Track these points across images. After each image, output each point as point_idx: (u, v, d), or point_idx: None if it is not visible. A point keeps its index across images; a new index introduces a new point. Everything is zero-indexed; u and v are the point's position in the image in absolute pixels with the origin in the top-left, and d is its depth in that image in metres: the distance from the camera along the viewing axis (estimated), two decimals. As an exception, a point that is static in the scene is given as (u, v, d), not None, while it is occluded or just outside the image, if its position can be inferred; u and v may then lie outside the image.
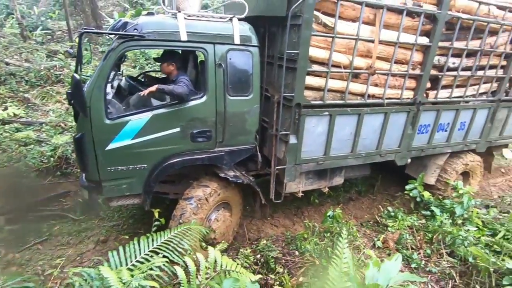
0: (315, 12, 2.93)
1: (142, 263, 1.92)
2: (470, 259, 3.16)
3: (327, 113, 3.35)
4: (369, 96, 3.52)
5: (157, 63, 4.25)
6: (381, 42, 3.29)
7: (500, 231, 3.64)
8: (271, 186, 3.63)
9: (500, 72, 4.33)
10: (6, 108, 6.20)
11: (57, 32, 13.97)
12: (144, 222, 3.87)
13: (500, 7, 3.82)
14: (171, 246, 2.20)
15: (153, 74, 4.95)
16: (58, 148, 4.70)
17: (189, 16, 2.88)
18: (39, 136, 5.44)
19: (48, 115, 6.46)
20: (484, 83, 4.32)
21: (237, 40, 2.98)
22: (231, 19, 3.00)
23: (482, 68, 4.12)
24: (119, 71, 3.88)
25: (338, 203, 4.73)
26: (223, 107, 3.03)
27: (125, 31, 2.63)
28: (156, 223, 2.97)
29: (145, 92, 2.80)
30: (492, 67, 4.20)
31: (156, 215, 3.00)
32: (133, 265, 1.91)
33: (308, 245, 3.32)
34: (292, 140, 3.33)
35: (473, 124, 4.49)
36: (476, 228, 3.72)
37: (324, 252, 3.21)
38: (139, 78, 4.03)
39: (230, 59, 2.99)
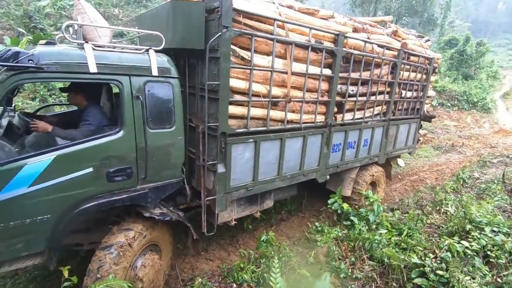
0: (232, 46, 3.10)
1: None
2: (385, 260, 3.58)
3: (252, 140, 3.48)
4: (288, 121, 3.81)
5: (63, 94, 3.79)
6: (293, 74, 3.67)
7: (404, 230, 4.27)
8: (202, 219, 3.48)
9: (386, 97, 5.29)
10: None
11: None
12: (51, 284, 3.20)
13: (380, 45, 4.73)
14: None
15: (57, 108, 4.37)
16: None
17: (98, 46, 2.68)
18: None
19: None
20: (377, 106, 5.19)
21: (155, 72, 2.89)
22: (147, 51, 2.91)
23: (374, 94, 4.96)
24: (11, 106, 3.29)
25: (271, 226, 4.83)
26: (143, 141, 2.84)
27: (16, 62, 2.27)
28: (66, 283, 2.49)
29: (38, 127, 2.51)
30: (381, 93, 5.11)
31: (66, 274, 2.53)
32: None
33: (245, 275, 3.25)
34: (220, 169, 3.32)
35: (373, 140, 5.30)
36: (387, 231, 4.27)
37: (261, 279, 3.18)
38: (38, 113, 3.49)
39: (148, 91, 2.86)
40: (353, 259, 3.81)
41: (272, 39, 3.33)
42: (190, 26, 3.03)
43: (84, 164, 2.61)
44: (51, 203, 2.51)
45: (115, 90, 2.93)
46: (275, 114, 3.71)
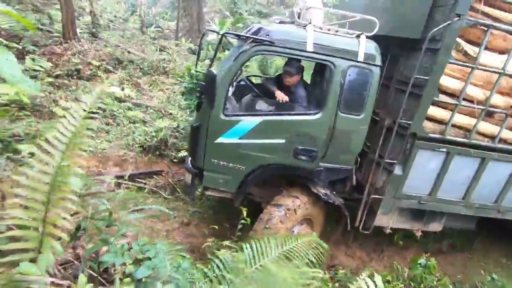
0: (458, 39, 2.66)
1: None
2: None
3: (444, 149, 2.98)
4: (500, 140, 3.02)
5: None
6: (531, 81, 2.81)
7: None
8: (358, 214, 3.38)
9: None
10: (123, 89, 7.23)
11: (165, 30, 16.00)
12: (223, 215, 4.01)
13: None
14: (299, 255, 2.11)
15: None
16: (160, 131, 5.25)
17: (319, 28, 2.90)
18: (144, 117, 6.19)
19: (152, 100, 7.33)
20: None
21: (360, 57, 2.88)
22: (359, 36, 2.92)
23: None
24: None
25: (425, 252, 4.15)
26: (333, 123, 2.94)
27: (258, 36, 2.78)
28: (243, 221, 3.02)
29: (280, 97, 3.00)
30: None
31: (244, 213, 3.05)
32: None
33: (393, 290, 2.98)
34: (397, 170, 3.06)
35: None
36: None
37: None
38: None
39: (349, 75, 2.90)
40: None
41: (517, 33, 2.63)
42: (411, 12, 2.81)
43: (280, 134, 2.96)
44: (248, 158, 3.02)
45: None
46: (486, 126, 3.01)
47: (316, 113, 2.93)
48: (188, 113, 5.85)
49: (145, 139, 5.16)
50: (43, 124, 4.70)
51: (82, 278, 1.23)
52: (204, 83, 2.63)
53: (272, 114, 3.00)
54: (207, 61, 6.30)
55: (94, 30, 9.26)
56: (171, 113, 6.60)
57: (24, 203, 1.33)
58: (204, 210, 4.20)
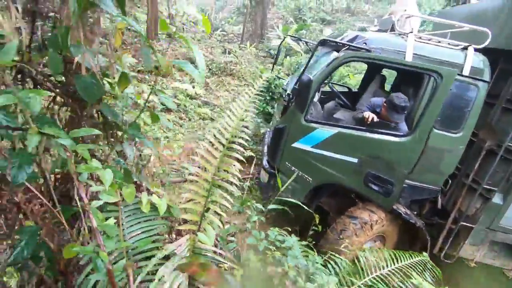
0: None
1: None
2: None
3: (561, 182, 2.59)
4: None
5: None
6: None
7: None
8: (439, 240, 3.10)
9: None
10: (193, 87, 7.73)
11: (229, 34, 16.74)
12: (285, 219, 4.01)
13: None
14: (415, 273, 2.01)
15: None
16: (228, 129, 5.49)
17: (419, 38, 2.76)
18: (212, 115, 6.52)
19: (219, 99, 7.69)
20: None
21: (466, 71, 2.66)
22: (466, 48, 2.70)
23: None
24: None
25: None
26: (425, 141, 2.73)
27: (355, 44, 2.74)
28: (314, 228, 2.98)
29: (369, 117, 2.77)
30: None
31: (317, 220, 3.01)
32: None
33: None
34: (497, 199, 2.74)
35: None
36: None
37: None
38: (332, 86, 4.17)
39: (450, 89, 2.69)
40: None
41: None
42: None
43: (353, 151, 2.79)
44: (315, 169, 2.91)
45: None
46: None
47: (405, 135, 2.72)
48: (255, 115, 6.01)
49: (214, 135, 5.43)
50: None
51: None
52: (297, 87, 2.66)
53: (350, 127, 2.84)
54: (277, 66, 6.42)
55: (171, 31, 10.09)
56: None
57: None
58: (266, 211, 4.24)
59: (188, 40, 1.16)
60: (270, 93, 5.81)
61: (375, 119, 2.81)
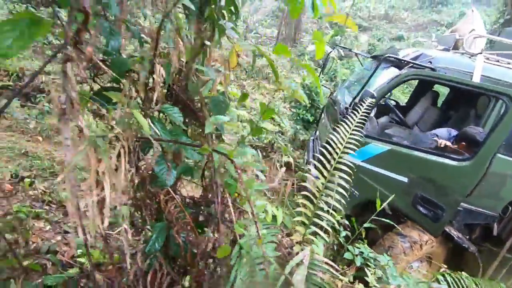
0: None
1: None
2: None
3: None
4: None
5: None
6: None
7: None
8: (491, 268, 3.00)
9: None
10: (231, 88, 7.91)
11: (263, 37, 16.89)
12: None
13: None
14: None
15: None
16: (268, 133, 5.57)
17: (487, 59, 2.69)
18: (248, 117, 6.66)
19: (254, 102, 7.82)
20: None
21: (538, 95, 2.56)
22: (539, 71, 2.60)
23: None
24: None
25: None
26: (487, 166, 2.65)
27: (419, 62, 2.72)
28: (361, 240, 2.98)
29: (441, 143, 2.71)
30: None
31: (363, 236, 3.01)
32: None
33: None
34: (562, 231, 2.61)
35: None
36: None
37: None
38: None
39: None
40: None
41: None
42: None
43: (404, 170, 2.72)
44: (363, 185, 2.86)
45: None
46: None
47: (465, 160, 2.64)
48: (293, 122, 6.06)
49: (253, 139, 5.55)
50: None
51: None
52: (359, 101, 2.68)
53: (405, 146, 2.77)
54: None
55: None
56: (273, 118, 6.94)
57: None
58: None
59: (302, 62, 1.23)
60: (311, 100, 5.84)
61: (451, 146, 2.73)
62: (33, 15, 0.71)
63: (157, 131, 0.98)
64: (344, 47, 4.96)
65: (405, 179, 2.77)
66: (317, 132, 4.20)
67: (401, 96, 9.48)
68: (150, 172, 1.05)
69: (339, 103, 3.40)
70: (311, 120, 5.82)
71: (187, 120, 1.26)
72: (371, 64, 3.89)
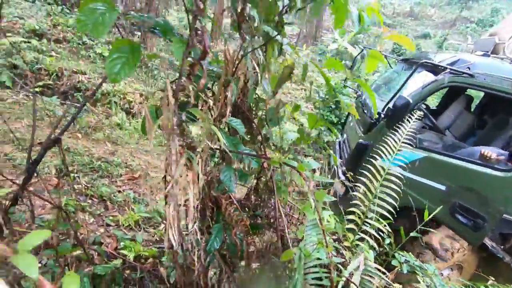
0: None
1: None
2: None
3: None
4: None
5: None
6: None
7: None
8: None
9: None
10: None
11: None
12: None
13: None
14: None
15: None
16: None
17: (530, 64, 2.61)
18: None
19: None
20: None
21: None
22: None
23: None
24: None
25: None
26: None
27: (457, 67, 2.68)
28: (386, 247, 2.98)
29: (492, 156, 2.60)
30: None
31: (392, 239, 3.01)
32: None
33: None
34: None
35: None
36: None
37: None
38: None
39: None
40: None
41: None
42: None
43: (442, 177, 2.67)
44: (396, 190, 2.88)
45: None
46: None
47: (509, 170, 2.56)
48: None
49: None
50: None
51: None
52: (393, 107, 2.68)
53: (442, 153, 2.74)
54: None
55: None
56: (294, 118, 6.96)
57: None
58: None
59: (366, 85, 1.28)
60: (335, 102, 5.82)
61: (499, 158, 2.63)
62: (132, 42, 0.80)
63: (223, 141, 1.06)
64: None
65: (443, 187, 2.72)
66: (344, 135, 4.20)
67: (429, 98, 9.20)
68: (214, 178, 1.14)
69: (368, 106, 3.39)
70: (335, 122, 5.80)
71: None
72: (401, 67, 3.84)
